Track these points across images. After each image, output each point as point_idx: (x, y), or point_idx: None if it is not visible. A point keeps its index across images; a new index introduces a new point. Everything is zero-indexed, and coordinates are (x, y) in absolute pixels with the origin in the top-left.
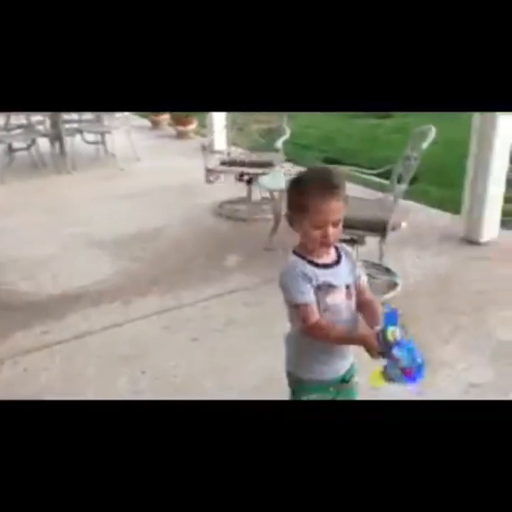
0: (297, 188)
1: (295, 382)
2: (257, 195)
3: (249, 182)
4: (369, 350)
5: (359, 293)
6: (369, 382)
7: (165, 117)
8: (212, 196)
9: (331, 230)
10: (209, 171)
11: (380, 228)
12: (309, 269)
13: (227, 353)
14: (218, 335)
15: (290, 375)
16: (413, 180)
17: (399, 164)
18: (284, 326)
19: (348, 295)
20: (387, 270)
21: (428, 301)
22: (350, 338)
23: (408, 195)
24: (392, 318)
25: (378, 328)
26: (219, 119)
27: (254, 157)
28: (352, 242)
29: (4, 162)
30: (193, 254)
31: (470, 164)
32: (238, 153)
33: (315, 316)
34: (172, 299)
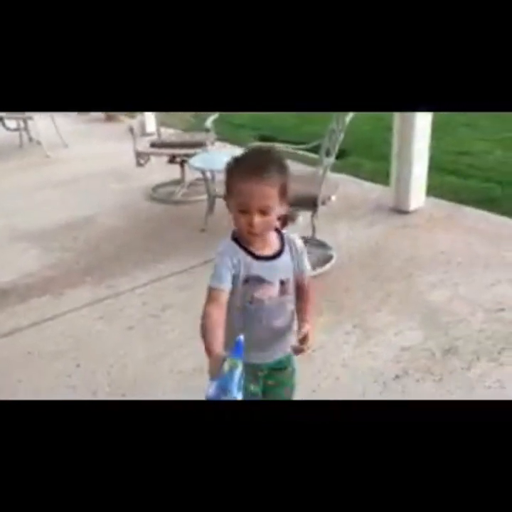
0: (227, 168)
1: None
2: (190, 176)
3: (182, 164)
4: (210, 369)
5: (297, 287)
6: None
7: None
8: (144, 180)
9: (257, 218)
10: (139, 154)
11: (310, 203)
12: (242, 258)
13: (164, 339)
14: (155, 321)
15: None
16: (346, 155)
17: (326, 138)
18: None
19: (282, 291)
20: (321, 244)
21: (361, 272)
22: (207, 348)
23: (342, 169)
24: (239, 348)
25: (225, 353)
26: None
27: (187, 138)
28: (284, 219)
29: None
30: (128, 240)
31: (395, 135)
32: (169, 134)
33: (212, 303)
34: (106, 288)
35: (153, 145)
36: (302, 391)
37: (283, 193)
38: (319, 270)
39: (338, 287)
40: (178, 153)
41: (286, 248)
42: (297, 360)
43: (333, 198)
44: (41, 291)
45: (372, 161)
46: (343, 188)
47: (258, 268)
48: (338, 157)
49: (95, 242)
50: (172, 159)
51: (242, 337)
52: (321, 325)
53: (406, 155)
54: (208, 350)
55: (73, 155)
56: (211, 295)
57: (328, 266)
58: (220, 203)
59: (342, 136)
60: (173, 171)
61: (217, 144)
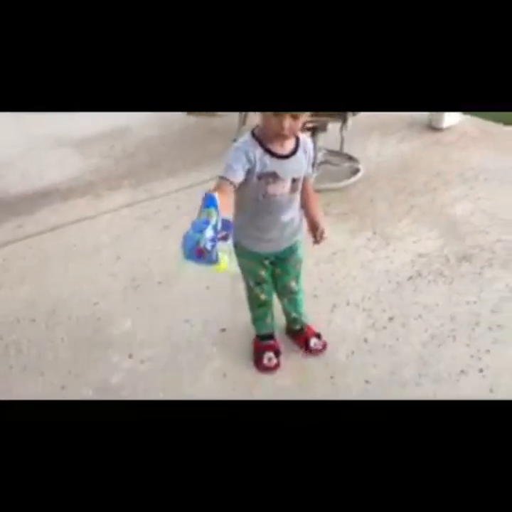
0: None
1: (235, 242)
2: None
3: None
4: None
5: (304, 186)
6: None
7: None
8: None
9: (288, 121)
10: None
11: (339, 114)
12: (260, 154)
13: None
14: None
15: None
16: None
17: None
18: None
19: (293, 188)
20: (349, 157)
21: (387, 185)
22: None
23: None
24: (210, 200)
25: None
26: None
27: None
28: (313, 129)
29: None
30: (162, 149)
31: None
32: None
33: (216, 189)
34: (143, 191)
35: None
36: (320, 289)
37: None
38: (346, 182)
39: (363, 198)
40: None
41: (301, 149)
42: (318, 262)
43: None
44: (82, 193)
45: None
46: None
47: (274, 165)
48: None
49: (131, 150)
50: None
51: (213, 194)
52: (342, 231)
53: None
54: None
55: None
56: (218, 183)
57: (354, 178)
58: (252, 116)
59: None
60: None
61: None
